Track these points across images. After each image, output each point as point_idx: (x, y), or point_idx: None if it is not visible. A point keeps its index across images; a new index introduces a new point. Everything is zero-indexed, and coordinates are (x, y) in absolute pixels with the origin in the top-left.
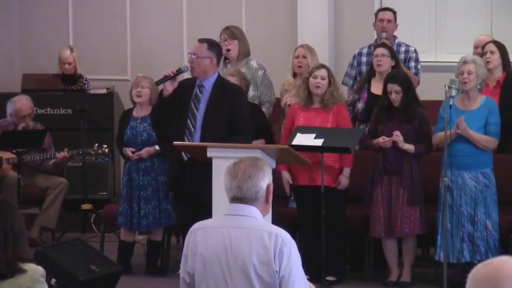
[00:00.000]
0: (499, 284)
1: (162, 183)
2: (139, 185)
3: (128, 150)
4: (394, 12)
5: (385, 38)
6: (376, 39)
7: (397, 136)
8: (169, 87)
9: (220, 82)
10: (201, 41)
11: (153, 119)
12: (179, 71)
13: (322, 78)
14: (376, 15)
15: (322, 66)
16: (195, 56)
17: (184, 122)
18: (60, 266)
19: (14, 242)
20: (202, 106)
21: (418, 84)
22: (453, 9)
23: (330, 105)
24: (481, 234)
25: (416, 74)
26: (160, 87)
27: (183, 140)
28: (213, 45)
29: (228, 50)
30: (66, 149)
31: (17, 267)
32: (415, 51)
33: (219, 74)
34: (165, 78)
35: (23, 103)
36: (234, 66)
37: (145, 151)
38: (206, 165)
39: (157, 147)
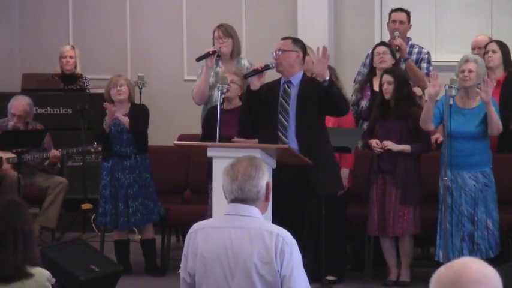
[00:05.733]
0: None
1: (146, 179)
2: (125, 183)
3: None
4: (408, 13)
5: (398, 37)
6: (390, 39)
7: (387, 146)
8: (256, 82)
9: (307, 78)
10: (285, 38)
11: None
12: (266, 67)
13: None
14: (389, 15)
15: None
16: (280, 52)
17: (275, 117)
18: (60, 266)
19: (24, 243)
20: (293, 102)
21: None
22: (453, 9)
23: None
24: (482, 233)
25: (428, 75)
26: (247, 82)
27: (277, 136)
28: (297, 41)
29: (223, 48)
30: (60, 150)
31: (25, 271)
32: (428, 53)
33: (304, 72)
34: (253, 72)
35: (21, 103)
36: (225, 64)
37: (121, 117)
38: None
39: (127, 118)
